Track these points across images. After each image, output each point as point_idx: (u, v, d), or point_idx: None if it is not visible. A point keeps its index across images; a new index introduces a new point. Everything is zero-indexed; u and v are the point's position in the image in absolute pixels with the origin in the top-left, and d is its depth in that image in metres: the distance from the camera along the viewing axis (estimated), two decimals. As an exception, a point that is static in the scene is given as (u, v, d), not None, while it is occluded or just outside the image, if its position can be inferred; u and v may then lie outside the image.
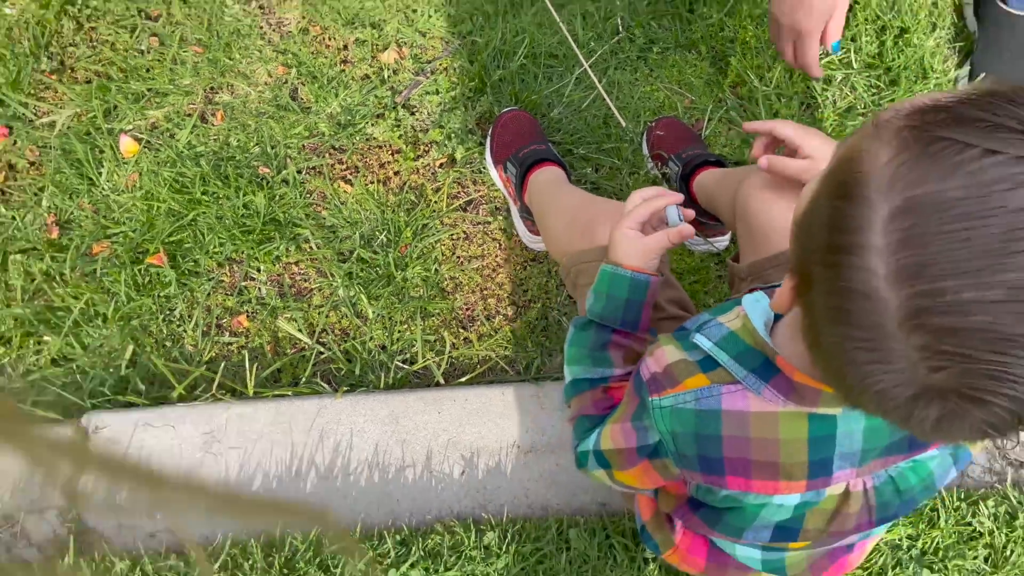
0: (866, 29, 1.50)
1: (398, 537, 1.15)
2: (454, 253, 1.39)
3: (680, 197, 0.97)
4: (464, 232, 1.40)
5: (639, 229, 0.93)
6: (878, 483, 0.82)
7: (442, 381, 1.28)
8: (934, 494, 0.92)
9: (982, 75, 1.46)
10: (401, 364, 1.30)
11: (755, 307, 0.76)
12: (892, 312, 0.49)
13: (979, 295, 0.47)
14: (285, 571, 1.12)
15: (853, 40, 1.50)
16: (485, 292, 1.36)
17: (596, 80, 1.47)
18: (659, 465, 0.84)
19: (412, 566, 1.12)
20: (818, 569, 1.00)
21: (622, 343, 0.94)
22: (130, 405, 1.25)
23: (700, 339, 0.77)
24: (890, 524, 1.09)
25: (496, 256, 1.38)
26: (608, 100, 1.45)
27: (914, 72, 1.49)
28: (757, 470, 0.77)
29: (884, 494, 0.83)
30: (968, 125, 0.48)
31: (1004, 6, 1.41)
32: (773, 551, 0.95)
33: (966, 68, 1.50)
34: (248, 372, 1.28)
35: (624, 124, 1.44)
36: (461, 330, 1.33)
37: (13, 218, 1.41)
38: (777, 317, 0.76)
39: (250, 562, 1.12)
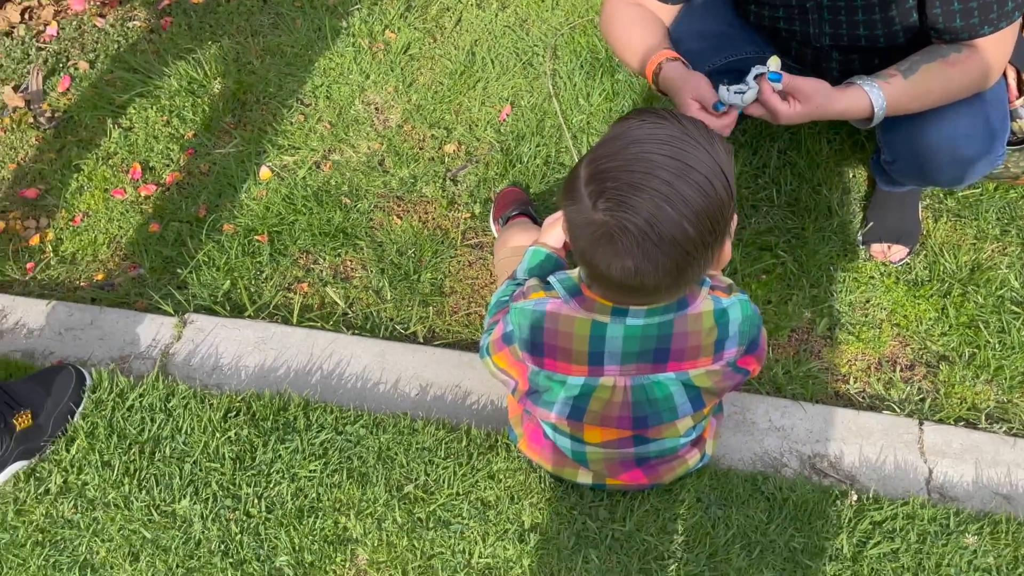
0: (787, 178, 2.06)
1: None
2: (457, 272, 1.96)
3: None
4: (468, 261, 1.99)
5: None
6: (634, 384, 1.30)
7: (422, 341, 1.82)
8: (677, 417, 1.35)
9: (871, 223, 1.97)
10: (399, 328, 1.85)
11: None
12: (583, 179, 1.06)
13: (615, 164, 1.03)
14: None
15: (775, 183, 2.05)
16: (471, 298, 1.92)
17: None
18: (512, 350, 1.35)
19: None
20: (613, 471, 1.45)
21: None
22: (215, 313, 1.86)
23: (552, 279, 1.31)
24: (699, 464, 1.50)
25: (485, 278, 1.95)
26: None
27: (823, 213, 2.01)
28: (561, 355, 1.29)
29: (637, 395, 1.31)
30: (640, 115, 1.08)
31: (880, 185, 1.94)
32: (578, 443, 1.41)
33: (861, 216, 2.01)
34: (295, 310, 1.87)
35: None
36: (448, 316, 1.88)
37: (181, 201, 2.12)
38: None
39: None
